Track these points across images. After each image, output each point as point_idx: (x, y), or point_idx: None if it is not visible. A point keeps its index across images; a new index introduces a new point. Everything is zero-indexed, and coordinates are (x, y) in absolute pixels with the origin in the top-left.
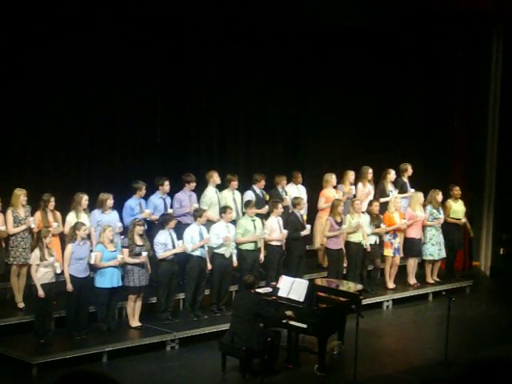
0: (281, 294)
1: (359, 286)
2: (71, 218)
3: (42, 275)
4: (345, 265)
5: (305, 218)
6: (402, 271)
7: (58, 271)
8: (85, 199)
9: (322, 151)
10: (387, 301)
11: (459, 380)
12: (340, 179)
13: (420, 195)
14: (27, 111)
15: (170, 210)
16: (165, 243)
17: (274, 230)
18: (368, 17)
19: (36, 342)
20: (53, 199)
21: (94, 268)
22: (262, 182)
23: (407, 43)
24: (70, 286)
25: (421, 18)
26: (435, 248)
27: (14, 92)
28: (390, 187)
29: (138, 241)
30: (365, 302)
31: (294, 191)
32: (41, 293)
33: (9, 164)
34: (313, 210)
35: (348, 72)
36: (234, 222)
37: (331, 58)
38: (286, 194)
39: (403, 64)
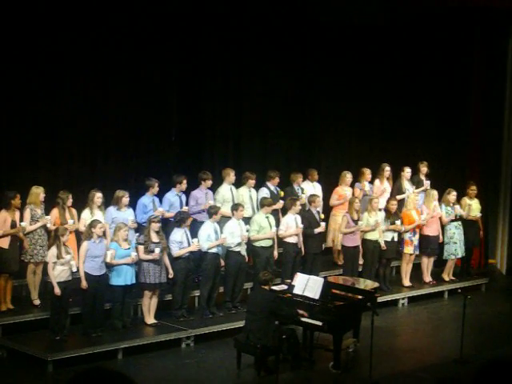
0: (296, 291)
1: (375, 284)
2: (86, 215)
3: (59, 273)
4: (361, 262)
5: (322, 216)
6: (417, 269)
7: (74, 269)
8: (97, 196)
9: (338, 149)
10: (403, 298)
11: (476, 378)
12: (357, 177)
13: (434, 192)
14: (41, 108)
15: (185, 208)
16: (180, 241)
17: (290, 227)
18: (383, 15)
19: (52, 338)
20: (70, 196)
21: (108, 266)
22: (277, 179)
23: (422, 41)
24: (84, 283)
25: (436, 16)
26: (457, 246)
27: (29, 90)
28: (406, 185)
29: (154, 238)
30: (380, 299)
31: (310, 189)
32: (57, 290)
33: (23, 162)
34: (328, 208)
35: (364, 70)
36: (248, 218)
37: (347, 57)
38: (303, 192)
39: (419, 62)
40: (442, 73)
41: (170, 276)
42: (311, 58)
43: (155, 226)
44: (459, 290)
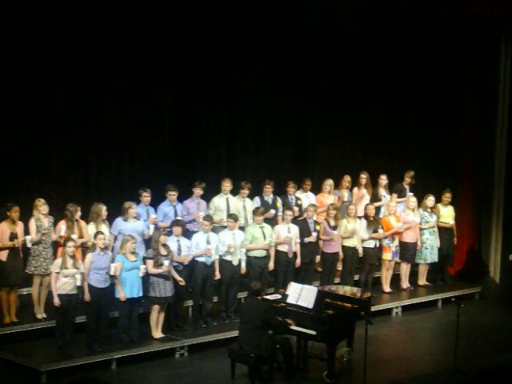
0: (290, 300)
1: (354, 289)
2: (91, 229)
3: (62, 285)
4: (339, 268)
5: (317, 227)
6: (395, 275)
7: (78, 283)
8: (104, 209)
9: (332, 159)
10: (396, 307)
11: None
12: (336, 184)
13: (411, 199)
14: (34, 120)
15: (179, 218)
16: None
17: (281, 236)
18: (376, 23)
19: (52, 351)
20: (79, 209)
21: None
22: (270, 189)
23: (415, 49)
24: (87, 296)
25: (429, 23)
26: (428, 252)
27: (22, 100)
28: (382, 192)
29: (163, 251)
30: (374, 308)
31: (304, 198)
32: (56, 301)
33: (17, 173)
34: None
35: (357, 79)
36: (242, 228)
37: (339, 66)
38: (297, 201)
39: (411, 70)
40: (435, 80)
41: (182, 284)
42: (304, 67)
43: (163, 238)
44: (453, 299)
